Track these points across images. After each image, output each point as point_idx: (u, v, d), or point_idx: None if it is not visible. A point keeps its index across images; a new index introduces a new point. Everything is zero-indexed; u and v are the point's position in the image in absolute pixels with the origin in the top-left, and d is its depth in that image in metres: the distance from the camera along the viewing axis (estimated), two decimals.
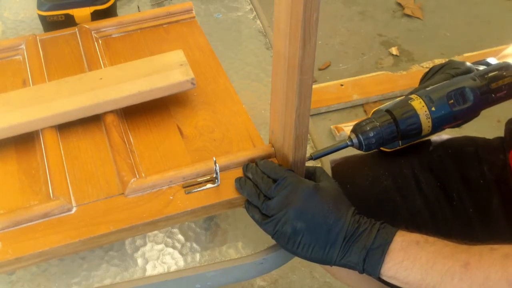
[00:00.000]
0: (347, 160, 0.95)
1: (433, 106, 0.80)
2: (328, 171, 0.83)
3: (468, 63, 0.88)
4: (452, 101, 0.81)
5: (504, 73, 0.84)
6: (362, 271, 0.68)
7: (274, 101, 0.70)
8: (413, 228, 0.87)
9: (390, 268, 0.66)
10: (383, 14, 2.55)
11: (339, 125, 2.00)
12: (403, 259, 0.66)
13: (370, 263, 0.67)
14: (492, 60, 0.91)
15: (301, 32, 0.58)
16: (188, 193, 0.72)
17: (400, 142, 0.84)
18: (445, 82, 0.84)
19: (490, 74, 0.84)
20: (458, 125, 0.87)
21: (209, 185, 0.72)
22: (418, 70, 2.23)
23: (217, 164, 0.71)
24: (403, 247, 0.66)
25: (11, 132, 0.77)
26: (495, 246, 0.64)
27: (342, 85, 2.16)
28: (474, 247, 0.65)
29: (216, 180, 0.72)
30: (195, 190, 0.72)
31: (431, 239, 0.67)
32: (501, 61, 0.91)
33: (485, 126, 0.86)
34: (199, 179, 0.73)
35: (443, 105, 0.81)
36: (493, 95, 0.84)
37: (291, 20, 0.58)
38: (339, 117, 2.07)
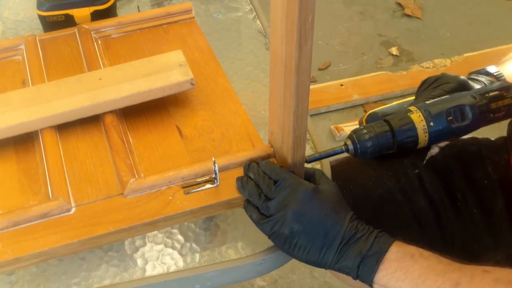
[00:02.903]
0: (349, 160, 0.95)
1: (432, 121, 0.80)
2: (328, 170, 0.83)
3: (461, 77, 0.88)
4: (451, 117, 0.81)
5: (505, 94, 0.84)
6: (355, 277, 0.68)
7: (272, 102, 0.70)
8: (417, 228, 0.87)
9: (383, 277, 0.66)
10: (383, 14, 2.55)
11: (339, 125, 2.00)
12: (396, 269, 0.66)
13: (364, 269, 0.67)
14: (492, 69, 0.90)
15: (297, 34, 0.58)
16: (187, 193, 0.72)
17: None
18: (445, 97, 0.83)
19: (491, 94, 0.84)
20: (454, 140, 0.87)
21: (208, 186, 0.72)
22: (418, 70, 2.23)
23: (216, 165, 0.71)
24: (398, 258, 0.66)
25: (10, 132, 0.77)
26: (488, 268, 0.64)
27: (342, 85, 2.16)
28: (467, 266, 0.65)
29: (215, 181, 0.72)
30: (194, 190, 0.72)
31: (426, 253, 0.67)
32: (503, 65, 0.91)
33: (487, 126, 0.86)
34: (198, 180, 0.73)
35: (442, 121, 0.81)
36: (491, 115, 0.84)
37: (287, 22, 0.58)
38: (339, 117, 2.07)
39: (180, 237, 0.76)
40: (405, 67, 2.27)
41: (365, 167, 0.93)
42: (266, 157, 0.75)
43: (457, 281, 0.63)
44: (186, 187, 0.73)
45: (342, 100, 2.10)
